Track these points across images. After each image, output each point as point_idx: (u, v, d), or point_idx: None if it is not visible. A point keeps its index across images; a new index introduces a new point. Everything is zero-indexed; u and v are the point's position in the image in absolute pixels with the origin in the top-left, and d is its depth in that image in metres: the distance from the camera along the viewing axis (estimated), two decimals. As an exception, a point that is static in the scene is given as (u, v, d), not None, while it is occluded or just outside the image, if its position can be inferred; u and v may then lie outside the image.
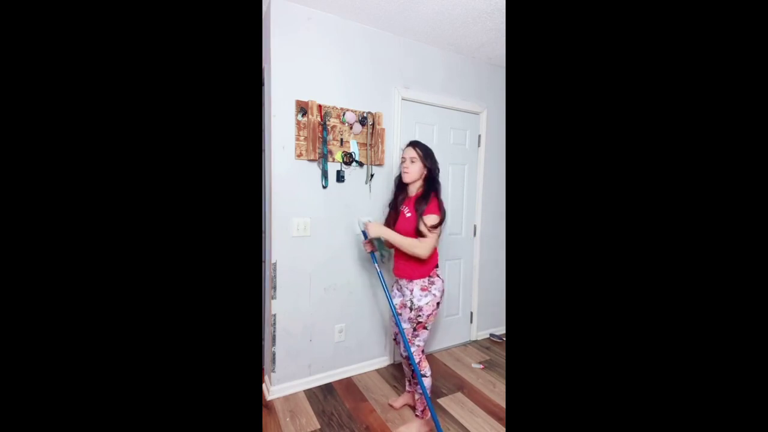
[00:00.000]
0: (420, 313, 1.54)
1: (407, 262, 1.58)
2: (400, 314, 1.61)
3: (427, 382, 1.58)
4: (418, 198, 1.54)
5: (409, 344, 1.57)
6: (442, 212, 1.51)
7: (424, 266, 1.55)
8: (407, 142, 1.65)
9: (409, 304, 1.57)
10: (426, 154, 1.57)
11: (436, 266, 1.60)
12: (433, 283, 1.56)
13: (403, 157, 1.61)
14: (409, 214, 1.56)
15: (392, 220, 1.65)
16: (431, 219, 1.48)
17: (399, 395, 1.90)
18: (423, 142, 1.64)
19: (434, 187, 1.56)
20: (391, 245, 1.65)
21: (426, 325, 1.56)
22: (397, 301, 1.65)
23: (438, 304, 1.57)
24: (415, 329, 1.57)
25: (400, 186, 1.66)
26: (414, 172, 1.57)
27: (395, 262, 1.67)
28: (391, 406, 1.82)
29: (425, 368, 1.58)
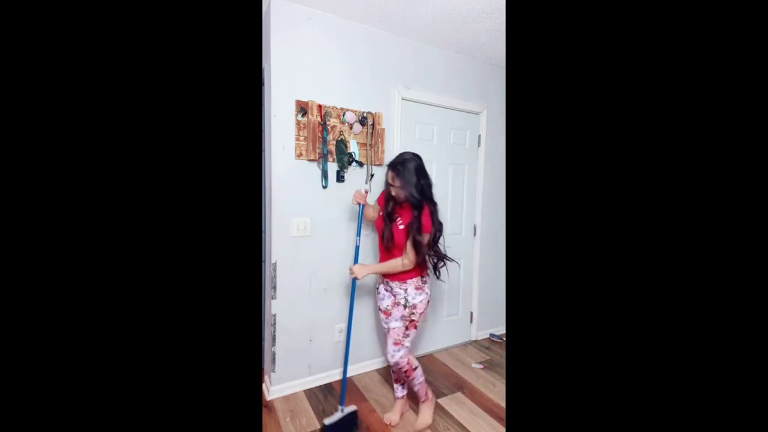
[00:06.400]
0: (414, 311, 1.56)
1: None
2: (390, 314, 1.61)
3: (418, 371, 1.64)
4: (410, 221, 1.49)
5: (398, 346, 1.57)
6: (434, 225, 1.50)
7: (416, 266, 1.55)
8: (389, 163, 1.54)
9: (403, 302, 1.57)
10: (410, 178, 1.45)
11: (427, 266, 1.59)
12: (425, 282, 1.59)
13: (389, 183, 1.52)
14: (402, 227, 1.52)
15: (387, 229, 1.56)
16: (419, 239, 1.45)
17: (392, 409, 1.78)
18: (406, 156, 1.51)
19: (423, 203, 1.48)
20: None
21: (417, 323, 1.59)
22: (388, 302, 1.63)
23: (428, 302, 1.61)
24: (407, 328, 1.58)
25: (390, 195, 1.56)
26: (404, 193, 1.49)
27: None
28: (392, 426, 1.70)
29: (413, 362, 1.63)
